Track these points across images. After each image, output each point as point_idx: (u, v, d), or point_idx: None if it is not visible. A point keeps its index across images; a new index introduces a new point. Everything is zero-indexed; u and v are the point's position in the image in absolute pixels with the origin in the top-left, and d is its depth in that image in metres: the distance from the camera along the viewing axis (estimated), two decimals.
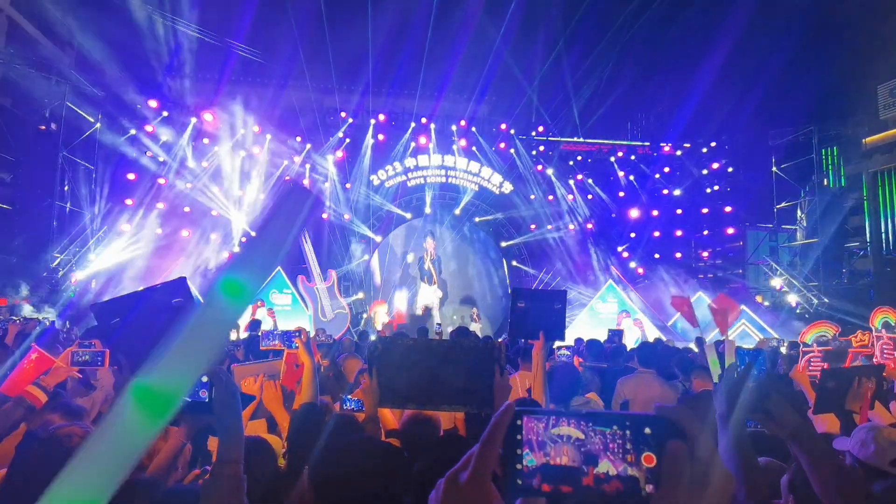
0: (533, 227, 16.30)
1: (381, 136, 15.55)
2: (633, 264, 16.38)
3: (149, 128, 13.80)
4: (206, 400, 1.28)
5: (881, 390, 2.57)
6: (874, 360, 4.33)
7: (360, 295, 15.28)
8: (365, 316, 14.27)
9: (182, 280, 1.61)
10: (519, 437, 0.55)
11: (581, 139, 16.75)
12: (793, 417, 1.28)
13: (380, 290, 15.86)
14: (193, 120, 14.14)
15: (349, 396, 2.60)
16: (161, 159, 13.99)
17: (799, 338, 7.84)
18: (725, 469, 0.53)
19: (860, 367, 2.84)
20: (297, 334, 3.02)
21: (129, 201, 13.57)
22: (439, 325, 11.88)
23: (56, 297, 12.03)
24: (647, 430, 0.54)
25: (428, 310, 15.25)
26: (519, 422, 0.56)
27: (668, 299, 14.59)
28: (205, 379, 1.28)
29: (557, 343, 4.39)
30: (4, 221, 12.15)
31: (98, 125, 13.57)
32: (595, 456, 0.54)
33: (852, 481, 1.21)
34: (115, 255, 13.23)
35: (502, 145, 16.04)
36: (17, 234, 12.23)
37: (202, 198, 14.26)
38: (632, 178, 16.66)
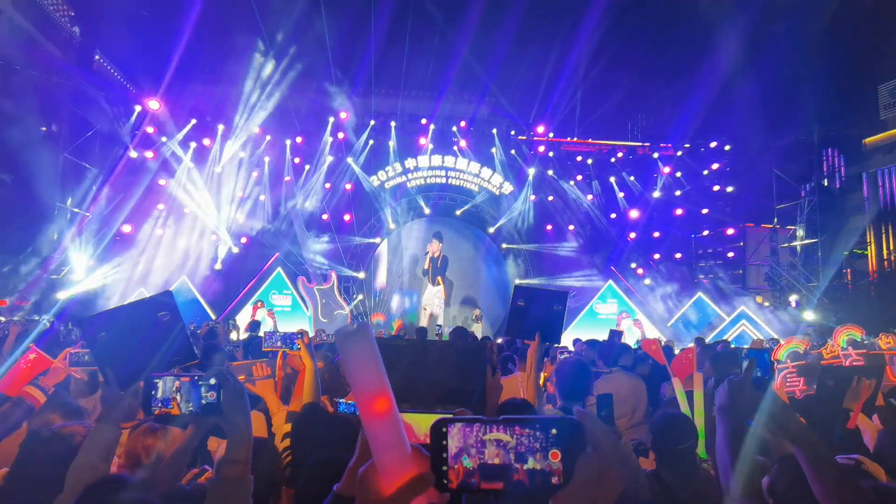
0: (533, 227, 16.31)
1: (381, 137, 15.57)
2: (633, 265, 16.39)
3: (149, 129, 13.83)
4: (215, 401, 1.30)
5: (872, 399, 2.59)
6: None
7: (360, 297, 15.31)
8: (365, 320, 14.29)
9: (168, 294, 1.63)
10: (445, 442, 0.63)
11: (581, 139, 16.76)
12: (795, 421, 1.29)
13: (382, 292, 15.88)
14: (193, 121, 14.17)
15: (343, 400, 2.61)
16: (163, 160, 14.02)
17: (772, 355, 7.88)
18: (618, 469, 0.60)
19: (861, 366, 2.85)
20: (298, 336, 3.03)
21: (129, 203, 13.59)
22: (440, 326, 11.89)
23: (56, 298, 12.04)
24: (554, 431, 0.63)
25: (433, 316, 15.27)
26: (444, 429, 0.63)
27: (669, 298, 14.66)
28: (213, 381, 1.30)
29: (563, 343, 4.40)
30: (5, 222, 12.16)
31: (100, 126, 13.59)
32: (523, 454, 0.62)
33: (852, 486, 1.23)
34: (115, 256, 13.26)
35: (502, 146, 16.06)
36: (18, 235, 12.24)
37: (202, 199, 14.29)
38: (632, 178, 16.66)
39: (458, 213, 16.23)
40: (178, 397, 1.33)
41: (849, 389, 2.51)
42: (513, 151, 16.24)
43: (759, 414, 1.30)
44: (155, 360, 1.50)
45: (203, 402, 1.30)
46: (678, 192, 16.64)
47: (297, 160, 15.12)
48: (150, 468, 1.81)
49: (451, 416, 0.65)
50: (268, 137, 14.79)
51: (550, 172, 16.29)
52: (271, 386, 2.65)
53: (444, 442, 0.63)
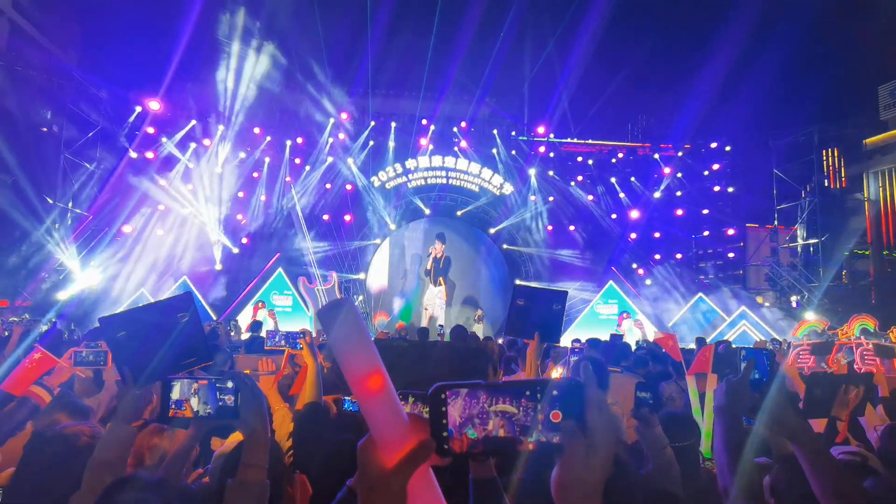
0: (533, 228, 16.30)
1: (381, 138, 15.57)
2: (633, 265, 16.38)
3: (150, 129, 13.83)
4: (232, 405, 1.31)
5: (869, 395, 2.60)
6: (855, 365, 4.37)
7: (361, 297, 15.30)
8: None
9: (188, 295, 1.65)
10: (444, 409, 0.63)
11: (582, 140, 16.76)
12: (793, 418, 1.30)
13: (383, 293, 15.86)
14: (193, 122, 14.18)
15: (348, 398, 2.63)
16: (162, 161, 14.02)
17: (791, 333, 7.91)
18: (609, 448, 0.62)
19: (847, 374, 2.87)
20: (301, 335, 3.04)
21: (130, 202, 13.60)
22: (441, 326, 11.89)
23: (56, 298, 12.05)
24: (555, 392, 0.63)
25: (432, 318, 15.26)
26: (443, 395, 0.64)
27: (669, 300, 14.66)
28: (230, 385, 1.31)
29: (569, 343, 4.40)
30: (5, 223, 12.17)
31: (100, 126, 13.60)
32: (528, 428, 0.63)
33: (850, 482, 1.23)
34: (116, 256, 13.27)
35: (503, 146, 16.06)
36: (19, 235, 12.25)
37: (201, 200, 14.29)
38: (633, 179, 16.66)
39: (458, 213, 16.22)
40: (195, 400, 1.35)
41: (836, 398, 2.51)
42: (513, 152, 16.24)
43: (759, 412, 1.30)
44: (172, 360, 1.51)
45: (220, 404, 1.32)
46: (679, 193, 16.65)
47: (297, 161, 15.12)
48: (154, 468, 1.82)
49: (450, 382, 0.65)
50: (268, 138, 14.80)
51: (551, 173, 16.29)
52: (272, 383, 2.66)
53: (444, 408, 0.63)
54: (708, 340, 9.13)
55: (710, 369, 4.01)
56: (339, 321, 0.60)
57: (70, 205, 13.14)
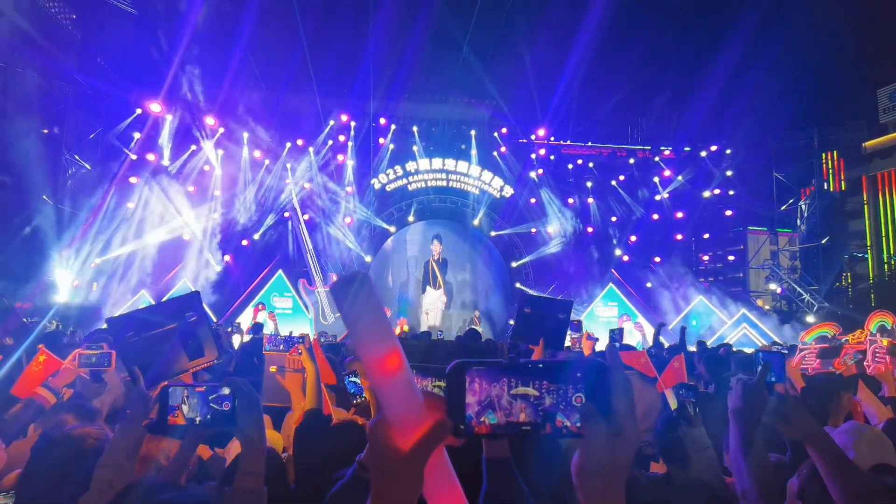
0: (533, 230, 16.31)
1: (381, 140, 15.57)
2: (634, 267, 16.38)
3: (150, 131, 13.82)
4: (229, 412, 1.30)
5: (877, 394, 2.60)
6: (865, 363, 4.36)
7: None
8: None
9: (195, 295, 1.65)
10: (463, 387, 0.61)
11: (582, 143, 16.77)
12: (809, 422, 1.30)
13: (384, 295, 15.85)
14: (193, 125, 14.17)
15: (350, 379, 2.61)
16: (163, 163, 14.02)
17: (800, 337, 7.90)
18: (635, 424, 0.60)
19: (835, 380, 2.86)
20: (300, 340, 3.02)
21: (130, 204, 13.58)
22: (441, 332, 11.88)
23: (55, 300, 12.01)
24: (578, 374, 0.61)
25: (435, 318, 15.25)
26: (463, 374, 0.61)
27: (670, 301, 14.66)
28: (227, 391, 1.30)
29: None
30: (5, 224, 12.14)
31: (100, 128, 13.59)
32: (552, 413, 0.60)
33: (870, 488, 1.23)
34: (115, 257, 13.26)
35: (503, 149, 16.08)
36: (19, 236, 12.22)
37: (201, 201, 14.28)
38: (633, 181, 16.67)
39: (458, 216, 16.22)
40: (186, 407, 1.33)
41: (830, 407, 2.48)
42: (513, 155, 16.25)
43: (773, 414, 1.30)
44: (182, 358, 1.51)
45: (215, 412, 1.31)
46: (679, 196, 16.66)
47: (298, 163, 15.11)
48: (155, 471, 1.81)
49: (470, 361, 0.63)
50: (268, 140, 14.79)
51: (551, 176, 16.30)
52: (299, 380, 2.63)
53: (463, 387, 0.61)
54: (708, 343, 9.13)
55: (686, 379, 3.97)
56: (353, 297, 0.56)
57: (70, 206, 13.10)
